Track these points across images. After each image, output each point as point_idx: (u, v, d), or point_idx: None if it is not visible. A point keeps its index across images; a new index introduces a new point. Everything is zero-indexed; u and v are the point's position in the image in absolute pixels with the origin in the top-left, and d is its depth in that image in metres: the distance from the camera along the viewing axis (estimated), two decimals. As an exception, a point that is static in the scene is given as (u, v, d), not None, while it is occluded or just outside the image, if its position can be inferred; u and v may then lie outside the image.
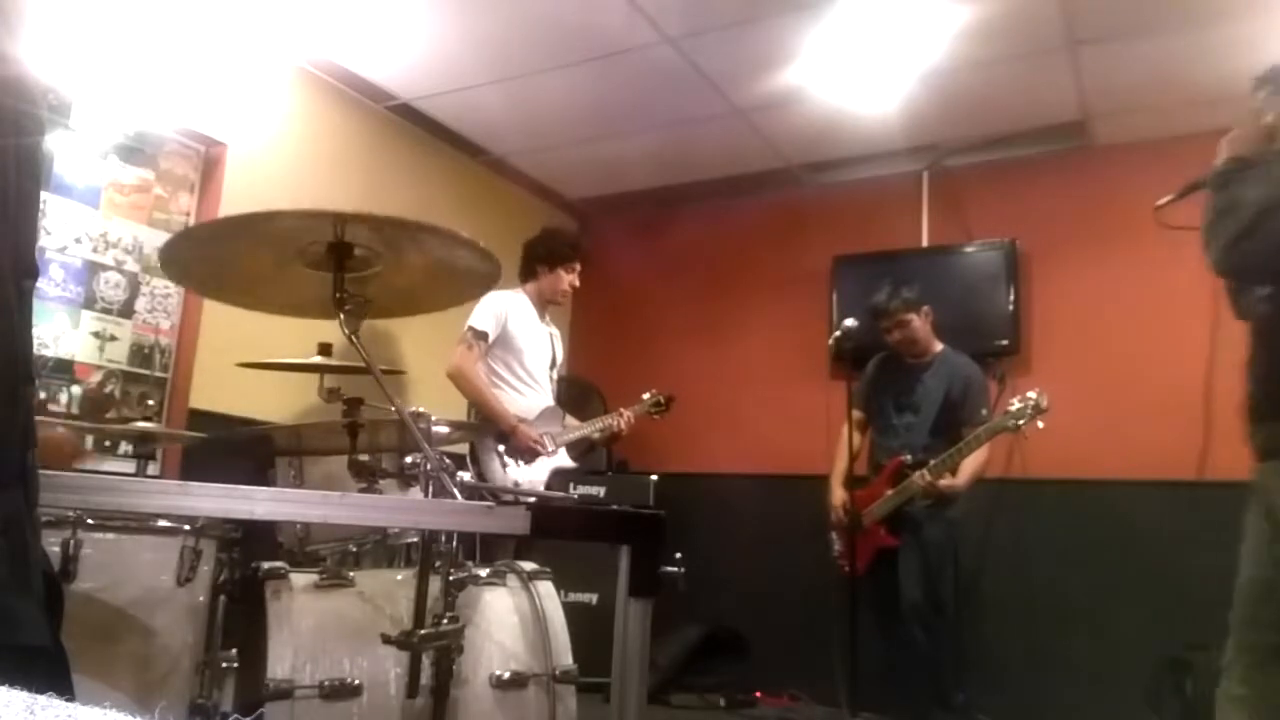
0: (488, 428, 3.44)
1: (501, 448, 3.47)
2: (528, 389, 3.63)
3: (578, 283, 3.82)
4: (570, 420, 3.81)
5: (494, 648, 1.84)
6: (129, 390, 3.41)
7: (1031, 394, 3.36)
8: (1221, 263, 1.93)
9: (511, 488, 3.25)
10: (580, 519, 1.75)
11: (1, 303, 0.88)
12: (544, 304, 3.79)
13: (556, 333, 3.86)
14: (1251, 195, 1.89)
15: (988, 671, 3.95)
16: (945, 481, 3.44)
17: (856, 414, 3.85)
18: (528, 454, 3.51)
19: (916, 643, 3.44)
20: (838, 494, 3.74)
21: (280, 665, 1.64)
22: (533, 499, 2.35)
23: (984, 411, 3.54)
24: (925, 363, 3.74)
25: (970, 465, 3.49)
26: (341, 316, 1.52)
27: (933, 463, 3.45)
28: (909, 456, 3.57)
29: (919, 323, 3.72)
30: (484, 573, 1.93)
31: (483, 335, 3.54)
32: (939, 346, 3.77)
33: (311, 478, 2.25)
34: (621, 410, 3.86)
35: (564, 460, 3.72)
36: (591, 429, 3.82)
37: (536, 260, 3.76)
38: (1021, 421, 3.33)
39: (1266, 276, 1.96)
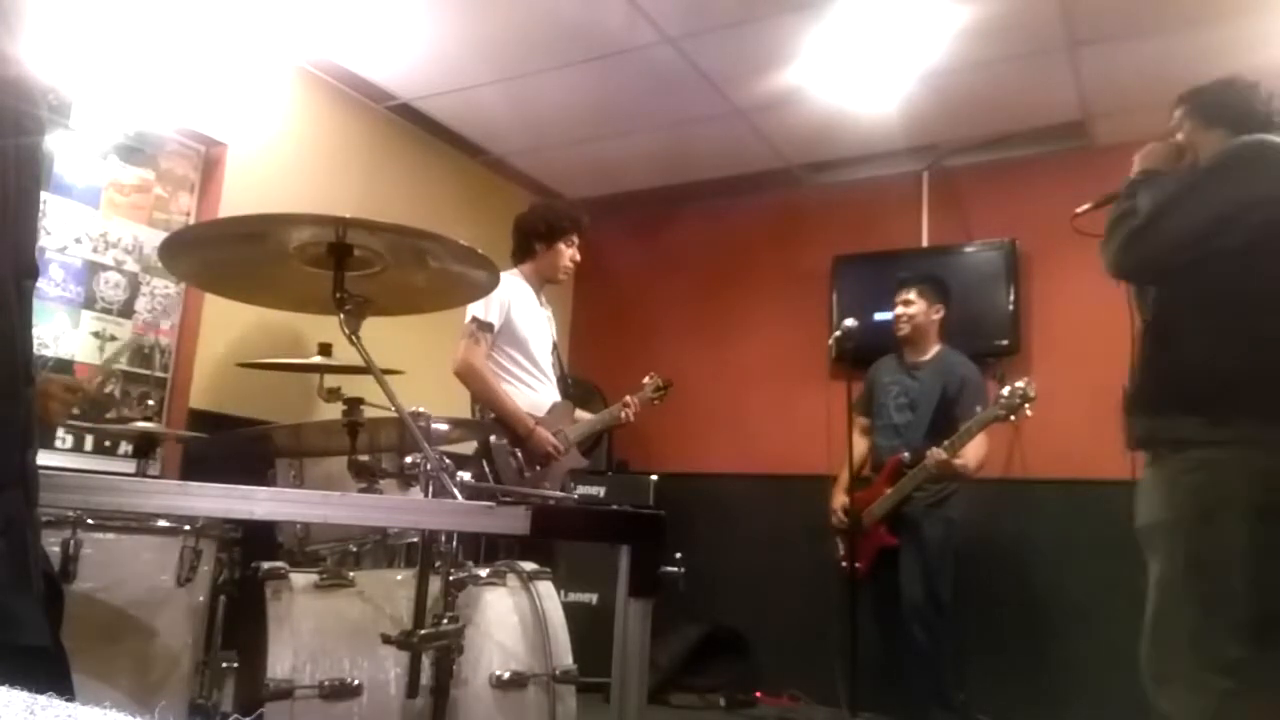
0: (493, 428, 3.29)
1: (518, 450, 3.31)
2: (536, 382, 3.44)
3: (579, 257, 3.56)
4: (579, 413, 3.67)
5: (494, 648, 1.84)
6: (129, 390, 3.41)
7: (1020, 383, 3.39)
8: (1115, 264, 2.11)
9: (521, 488, 3.14)
10: (580, 519, 1.75)
11: (1, 303, 0.88)
12: (542, 283, 3.53)
13: (550, 313, 3.62)
14: (1145, 202, 2.08)
15: (988, 671, 3.95)
16: (959, 460, 3.45)
17: (861, 420, 3.85)
18: (544, 458, 3.33)
19: (917, 642, 3.44)
20: (839, 498, 3.75)
21: (280, 665, 1.64)
22: (543, 499, 2.33)
23: (979, 409, 3.54)
24: (923, 361, 3.76)
25: (971, 453, 3.50)
26: (341, 316, 1.52)
27: (945, 442, 3.44)
28: (907, 455, 3.58)
29: (922, 311, 3.74)
30: (484, 573, 1.93)
31: (488, 326, 3.31)
32: (938, 346, 3.78)
33: (311, 478, 2.24)
34: (628, 399, 3.68)
35: (576, 460, 3.59)
36: (600, 422, 3.72)
37: (535, 237, 3.48)
38: (1011, 413, 3.35)
39: (1156, 277, 2.13)
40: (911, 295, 3.75)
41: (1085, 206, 2.41)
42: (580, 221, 3.54)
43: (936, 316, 3.78)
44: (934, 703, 3.45)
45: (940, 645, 3.45)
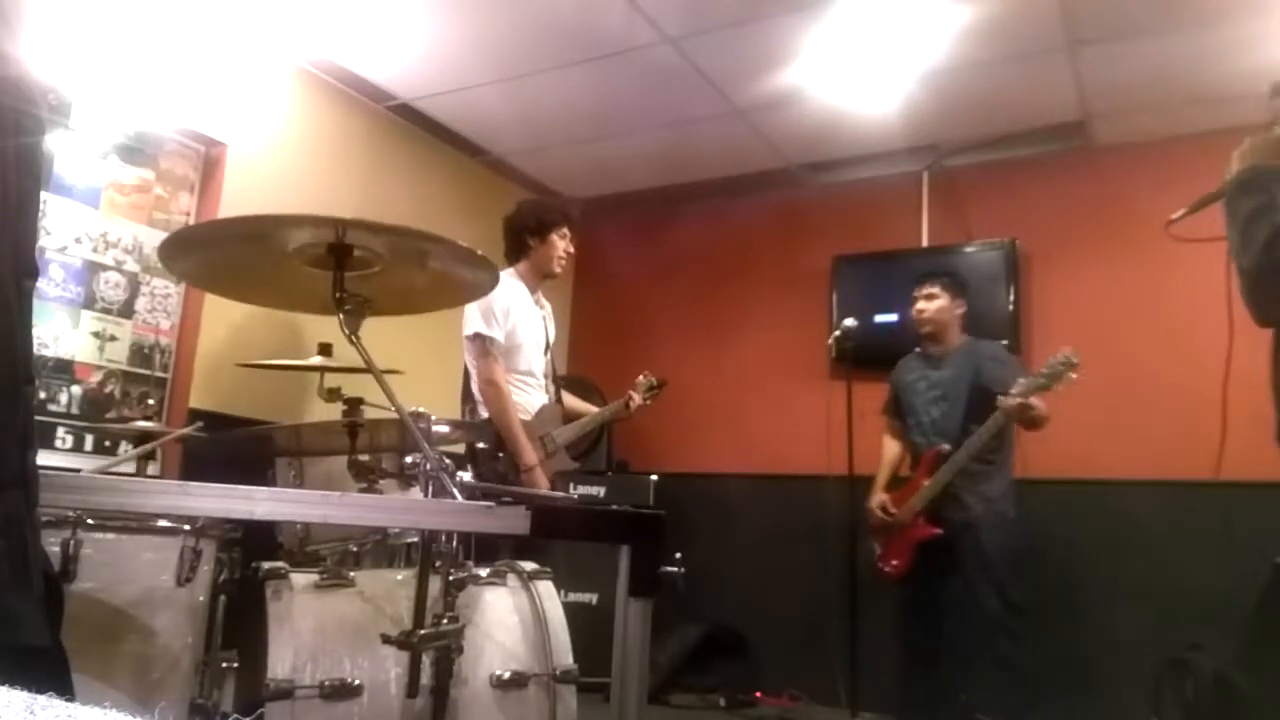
0: (483, 432, 3.32)
1: (500, 454, 3.35)
2: (525, 386, 3.48)
3: (572, 249, 3.60)
4: (573, 401, 3.71)
5: (494, 648, 1.84)
6: (129, 390, 3.41)
7: (1065, 350, 3.31)
8: (1259, 263, 1.87)
9: (512, 488, 3.16)
10: (580, 519, 1.75)
11: (1, 303, 0.88)
12: (538, 280, 3.57)
13: (549, 310, 3.65)
14: None
15: (988, 671, 3.94)
16: (1036, 400, 3.37)
17: (892, 423, 3.84)
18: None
19: (1000, 656, 3.36)
20: (877, 498, 3.72)
21: (280, 665, 1.64)
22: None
23: (1021, 380, 3.47)
24: (946, 353, 3.71)
25: (1037, 401, 3.42)
26: (341, 316, 1.52)
27: (1022, 383, 3.36)
28: (947, 445, 3.53)
29: (946, 306, 3.69)
30: (484, 573, 1.93)
31: (493, 340, 3.36)
32: (961, 338, 3.74)
33: (311, 478, 2.24)
34: (632, 395, 3.77)
35: (565, 463, 3.65)
36: (591, 422, 3.75)
37: (526, 232, 3.52)
38: (1054, 380, 3.29)
39: None
40: (935, 289, 3.70)
41: (1181, 212, 2.17)
42: (568, 213, 3.63)
43: (959, 311, 3.73)
44: (934, 702, 3.44)
45: (1021, 651, 3.38)
